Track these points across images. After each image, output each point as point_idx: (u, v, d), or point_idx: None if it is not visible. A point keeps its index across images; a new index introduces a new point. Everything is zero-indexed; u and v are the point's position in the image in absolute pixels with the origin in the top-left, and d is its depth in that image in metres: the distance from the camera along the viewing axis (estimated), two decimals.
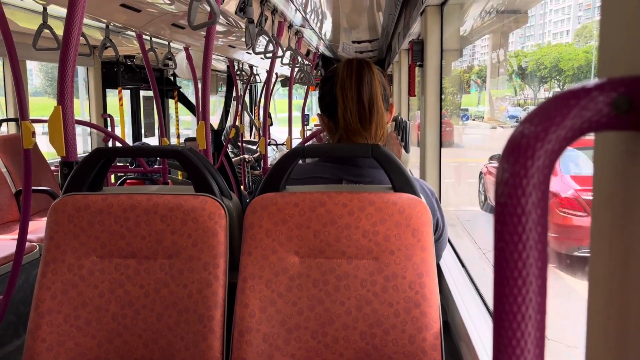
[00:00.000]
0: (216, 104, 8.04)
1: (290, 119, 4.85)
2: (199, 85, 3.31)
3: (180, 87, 6.38)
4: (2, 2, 2.16)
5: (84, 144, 5.37)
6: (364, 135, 1.35)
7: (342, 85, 1.34)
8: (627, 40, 0.39)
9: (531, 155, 0.36)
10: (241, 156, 6.25)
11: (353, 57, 1.38)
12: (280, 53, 3.56)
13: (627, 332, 0.39)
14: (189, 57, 4.12)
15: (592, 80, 0.36)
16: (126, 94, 5.72)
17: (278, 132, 8.95)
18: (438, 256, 1.52)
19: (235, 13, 2.65)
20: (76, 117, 1.59)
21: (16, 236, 2.29)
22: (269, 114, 5.32)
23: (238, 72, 6.06)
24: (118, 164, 4.64)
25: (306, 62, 5.40)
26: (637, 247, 0.39)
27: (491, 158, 4.40)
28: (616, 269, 0.41)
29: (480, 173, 4.44)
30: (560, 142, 0.36)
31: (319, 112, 1.43)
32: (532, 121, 0.36)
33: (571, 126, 0.36)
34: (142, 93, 6.09)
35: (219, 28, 3.50)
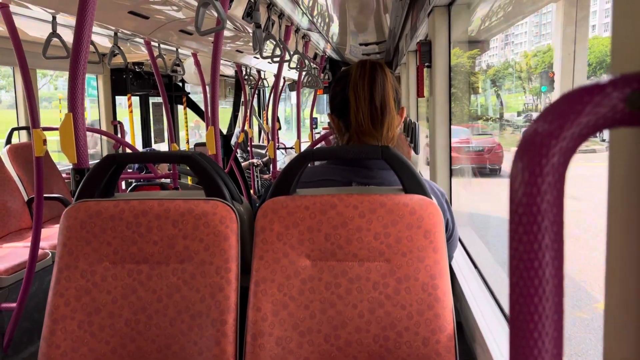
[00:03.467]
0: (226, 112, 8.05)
1: (298, 122, 4.86)
2: (208, 91, 3.32)
3: (189, 93, 6.41)
4: (12, 12, 2.19)
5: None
6: (376, 137, 1.36)
7: (354, 87, 1.34)
8: (639, 36, 0.39)
9: (546, 154, 0.35)
10: (250, 160, 6.27)
11: (363, 59, 1.38)
12: (287, 57, 3.57)
13: None
14: (197, 63, 4.14)
15: (606, 77, 0.36)
16: (135, 100, 5.75)
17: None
18: (449, 257, 1.51)
19: (243, 18, 2.66)
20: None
21: (29, 243, 2.31)
22: (277, 118, 5.33)
23: (246, 77, 6.08)
24: (128, 170, 4.67)
25: (314, 66, 5.40)
26: None
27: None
28: (633, 264, 0.41)
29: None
30: (575, 139, 0.36)
31: (329, 113, 1.43)
32: (545, 119, 0.36)
33: (585, 123, 0.36)
34: (152, 99, 6.13)
35: (226, 33, 3.51)
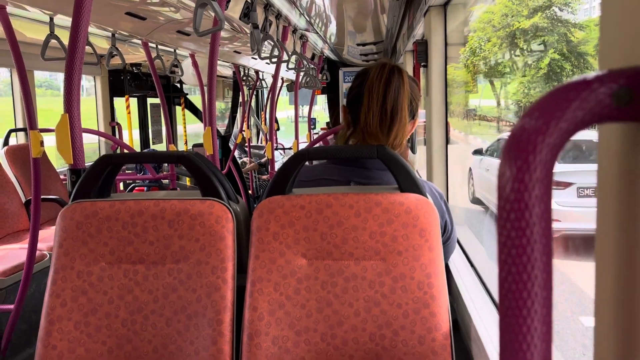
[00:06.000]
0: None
1: (296, 122, 4.86)
2: (205, 92, 3.32)
3: (187, 94, 6.41)
4: (9, 13, 2.19)
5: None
6: (382, 140, 1.35)
7: (369, 86, 1.34)
8: (627, 32, 0.39)
9: (533, 150, 0.36)
10: (247, 161, 6.27)
11: (384, 61, 1.38)
12: (285, 57, 3.57)
13: (636, 325, 0.39)
14: (194, 64, 4.14)
15: (593, 72, 0.36)
16: (133, 101, 5.75)
17: None
18: (446, 258, 1.51)
19: (240, 19, 2.66)
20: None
21: (26, 245, 2.30)
22: (276, 118, 5.34)
23: (244, 78, 6.08)
24: (127, 171, 4.67)
25: (311, 66, 5.41)
26: None
27: None
28: (623, 259, 0.41)
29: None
30: (562, 135, 0.36)
31: (343, 104, 1.44)
32: (532, 115, 0.36)
33: (572, 119, 0.36)
34: (150, 100, 6.13)
35: (224, 34, 3.51)
